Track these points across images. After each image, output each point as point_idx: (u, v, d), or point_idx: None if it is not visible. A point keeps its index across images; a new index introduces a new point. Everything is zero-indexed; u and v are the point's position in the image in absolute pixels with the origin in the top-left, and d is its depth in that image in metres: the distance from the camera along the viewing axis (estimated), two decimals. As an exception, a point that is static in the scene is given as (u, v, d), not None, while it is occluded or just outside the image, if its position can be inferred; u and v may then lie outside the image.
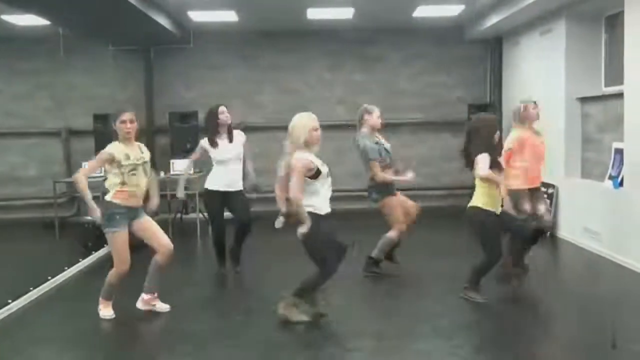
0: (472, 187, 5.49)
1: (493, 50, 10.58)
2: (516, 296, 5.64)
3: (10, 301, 5.46)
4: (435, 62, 10.76)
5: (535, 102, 6.18)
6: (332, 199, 4.90)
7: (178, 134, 9.84)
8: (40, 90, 10.59)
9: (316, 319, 4.91)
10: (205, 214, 8.96)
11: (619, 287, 6.00)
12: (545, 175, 6.46)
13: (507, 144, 6.02)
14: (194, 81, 10.57)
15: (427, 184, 10.30)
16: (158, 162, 8.02)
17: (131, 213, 5.04)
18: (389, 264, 6.37)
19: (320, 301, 4.99)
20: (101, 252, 7.54)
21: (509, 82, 10.26)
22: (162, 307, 5.31)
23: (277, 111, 10.31)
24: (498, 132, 5.38)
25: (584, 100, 8.04)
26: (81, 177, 4.92)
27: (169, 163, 9.57)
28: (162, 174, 9.17)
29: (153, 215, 5.37)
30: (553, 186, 8.18)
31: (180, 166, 9.43)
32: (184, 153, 9.65)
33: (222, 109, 6.40)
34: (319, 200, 4.78)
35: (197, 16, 9.27)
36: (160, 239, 5.17)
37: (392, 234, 6.16)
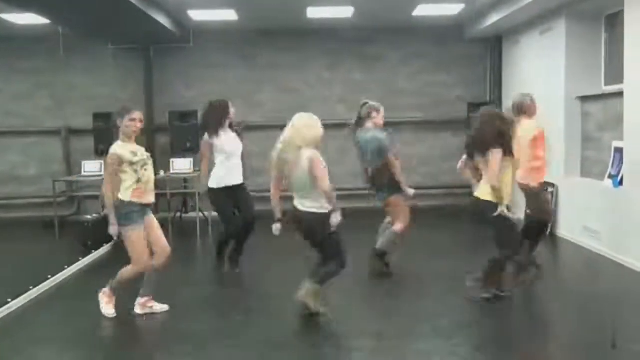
0: (472, 187, 5.48)
1: (493, 49, 10.56)
2: (516, 296, 5.63)
3: (10, 300, 5.46)
4: (435, 61, 10.73)
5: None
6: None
7: (178, 133, 9.83)
8: (40, 89, 10.57)
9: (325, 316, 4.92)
10: (205, 214, 9.08)
11: (618, 286, 6.00)
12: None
13: (527, 132, 5.72)
14: (193, 80, 10.55)
15: (427, 183, 10.30)
16: (158, 161, 8.01)
17: (145, 210, 5.04)
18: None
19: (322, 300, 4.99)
20: (101, 251, 7.56)
21: (509, 81, 10.25)
22: (161, 307, 5.29)
23: (276, 110, 10.29)
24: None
25: (584, 99, 8.03)
26: (109, 194, 4.88)
27: (169, 162, 9.59)
28: (162, 172, 9.19)
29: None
30: (553, 185, 8.18)
31: (181, 165, 9.53)
32: (184, 152, 9.70)
33: (230, 103, 6.46)
34: (324, 200, 4.81)
35: (197, 15, 9.26)
36: (160, 241, 5.16)
37: (398, 227, 6.13)
